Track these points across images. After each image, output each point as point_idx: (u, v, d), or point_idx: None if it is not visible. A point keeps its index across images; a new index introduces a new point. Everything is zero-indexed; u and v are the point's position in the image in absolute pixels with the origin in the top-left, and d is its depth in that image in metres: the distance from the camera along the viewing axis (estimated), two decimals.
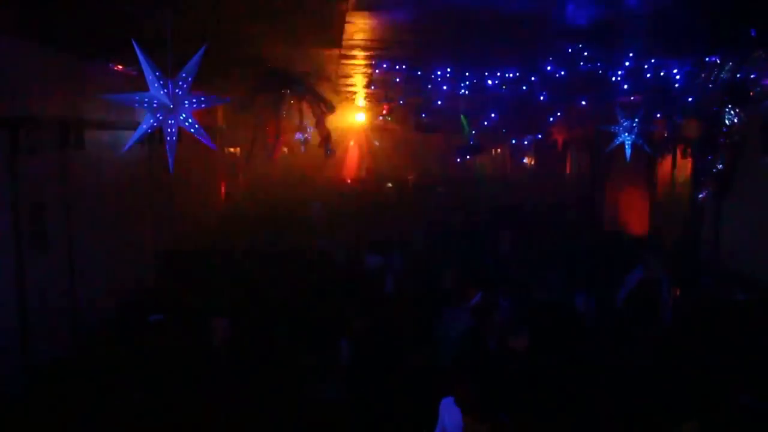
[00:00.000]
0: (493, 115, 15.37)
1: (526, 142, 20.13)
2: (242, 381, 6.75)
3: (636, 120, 9.35)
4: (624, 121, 9.28)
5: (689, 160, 12.30)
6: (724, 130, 7.34)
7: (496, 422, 4.51)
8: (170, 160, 4.69)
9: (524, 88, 11.30)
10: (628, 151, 9.44)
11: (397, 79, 11.10)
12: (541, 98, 12.30)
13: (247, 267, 11.21)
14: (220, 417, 6.31)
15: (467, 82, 11.32)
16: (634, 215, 15.00)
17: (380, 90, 14.10)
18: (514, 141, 19.94)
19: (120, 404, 6.29)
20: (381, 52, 9.06)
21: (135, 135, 4.51)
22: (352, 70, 10.90)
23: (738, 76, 6.04)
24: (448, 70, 10.42)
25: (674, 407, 6.01)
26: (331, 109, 9.28)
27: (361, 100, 17.65)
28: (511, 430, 4.65)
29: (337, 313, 8.28)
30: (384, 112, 19.52)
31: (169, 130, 4.57)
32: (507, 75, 10.52)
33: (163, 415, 6.26)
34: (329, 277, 10.30)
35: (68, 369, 7.47)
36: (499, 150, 23.99)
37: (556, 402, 6.18)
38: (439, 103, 13.99)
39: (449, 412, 4.74)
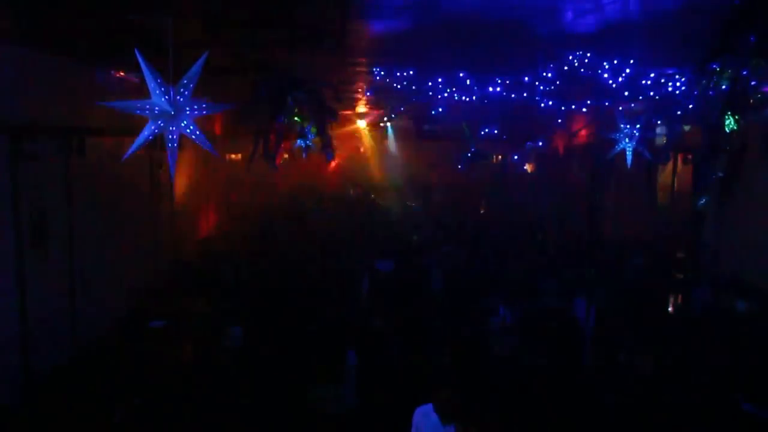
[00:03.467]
0: (494, 122, 15.41)
1: (527, 149, 20.13)
2: (250, 388, 6.75)
3: (637, 127, 9.37)
4: (625, 128, 9.29)
5: (690, 166, 12.32)
6: (725, 137, 7.33)
7: (481, 425, 4.46)
8: (171, 167, 4.69)
9: (525, 95, 11.32)
10: (629, 158, 9.44)
11: (398, 86, 11.12)
12: (542, 105, 12.33)
13: (252, 274, 11.24)
14: (225, 426, 6.29)
15: (468, 89, 11.34)
16: (635, 222, 14.99)
17: (382, 97, 14.13)
18: (515, 148, 19.93)
19: (120, 411, 6.27)
20: (382, 59, 9.09)
21: (136, 142, 4.50)
22: (354, 76, 10.92)
23: (738, 83, 6.04)
24: (449, 77, 10.44)
25: (676, 414, 6.00)
26: (332, 115, 9.28)
27: (362, 106, 17.69)
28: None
29: (345, 322, 8.30)
30: (385, 118, 19.56)
31: (170, 136, 4.57)
32: (508, 82, 10.54)
33: (164, 422, 6.25)
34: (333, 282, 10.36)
35: (68, 376, 7.46)
36: (500, 157, 23.97)
37: (551, 405, 6.18)
38: (441, 110, 14.01)
39: (426, 420, 4.59)
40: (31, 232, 7.02)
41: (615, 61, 8.38)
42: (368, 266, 11.13)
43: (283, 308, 9.23)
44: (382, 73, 9.90)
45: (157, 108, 4.41)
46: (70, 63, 7.85)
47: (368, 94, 13.40)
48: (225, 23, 6.03)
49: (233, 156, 19.00)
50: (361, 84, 12.10)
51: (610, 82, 9.25)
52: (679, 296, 9.94)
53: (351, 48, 7.67)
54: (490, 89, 11.06)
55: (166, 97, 4.39)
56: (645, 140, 9.51)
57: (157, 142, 4.73)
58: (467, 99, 12.30)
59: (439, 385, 4.49)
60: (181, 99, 4.46)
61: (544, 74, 9.35)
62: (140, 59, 4.19)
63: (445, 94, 11.82)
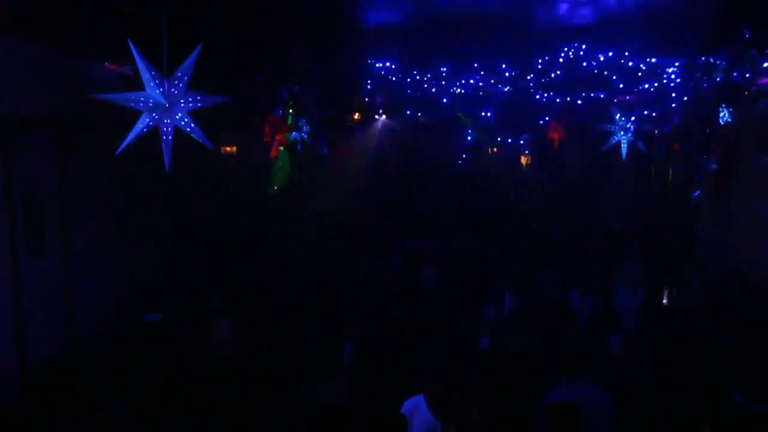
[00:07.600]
0: (489, 114, 15.43)
1: (522, 141, 20.14)
2: (243, 382, 6.76)
3: (632, 119, 9.38)
4: (619, 120, 9.31)
5: (684, 158, 12.35)
6: (719, 129, 7.36)
7: (466, 419, 4.46)
8: (166, 159, 4.68)
9: (520, 86, 11.33)
10: (624, 150, 9.46)
11: (394, 78, 11.11)
12: (537, 97, 12.34)
13: (249, 267, 11.24)
14: (219, 418, 6.30)
15: (463, 81, 11.34)
16: (631, 214, 15.02)
17: (378, 89, 14.10)
18: (510, 140, 19.96)
19: (115, 405, 6.28)
20: (377, 51, 9.08)
21: (131, 134, 4.49)
22: (350, 70, 10.90)
23: (733, 75, 6.05)
24: (444, 69, 10.44)
25: (671, 405, 6.04)
26: (327, 107, 9.29)
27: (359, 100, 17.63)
28: (485, 426, 4.61)
29: (341, 315, 8.30)
30: (381, 111, 19.50)
31: (165, 129, 4.56)
32: (505, 74, 10.55)
33: (159, 416, 6.26)
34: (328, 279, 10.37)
35: (64, 370, 7.46)
36: (496, 149, 23.99)
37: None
38: (436, 101, 13.99)
39: (417, 412, 4.55)
40: (27, 225, 7.00)
41: (610, 53, 8.39)
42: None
43: (279, 299, 9.24)
44: (378, 65, 9.91)
45: (151, 100, 4.40)
46: (64, 54, 7.79)
47: (369, 87, 13.39)
48: (220, 15, 6.00)
49: (228, 148, 18.91)
50: (357, 79, 12.08)
51: (605, 73, 9.27)
52: (673, 287, 9.98)
53: (348, 40, 7.66)
54: (484, 82, 11.07)
55: (161, 89, 4.38)
56: (640, 132, 9.53)
57: (153, 134, 4.71)
58: (462, 91, 12.29)
59: (431, 379, 4.50)
60: (176, 91, 4.44)
61: (539, 66, 9.36)
62: (134, 51, 4.18)
63: (441, 86, 11.81)
